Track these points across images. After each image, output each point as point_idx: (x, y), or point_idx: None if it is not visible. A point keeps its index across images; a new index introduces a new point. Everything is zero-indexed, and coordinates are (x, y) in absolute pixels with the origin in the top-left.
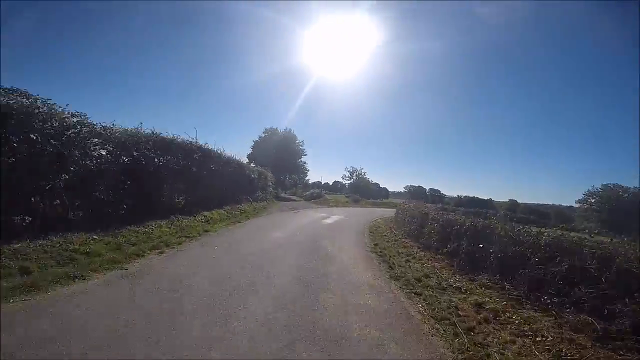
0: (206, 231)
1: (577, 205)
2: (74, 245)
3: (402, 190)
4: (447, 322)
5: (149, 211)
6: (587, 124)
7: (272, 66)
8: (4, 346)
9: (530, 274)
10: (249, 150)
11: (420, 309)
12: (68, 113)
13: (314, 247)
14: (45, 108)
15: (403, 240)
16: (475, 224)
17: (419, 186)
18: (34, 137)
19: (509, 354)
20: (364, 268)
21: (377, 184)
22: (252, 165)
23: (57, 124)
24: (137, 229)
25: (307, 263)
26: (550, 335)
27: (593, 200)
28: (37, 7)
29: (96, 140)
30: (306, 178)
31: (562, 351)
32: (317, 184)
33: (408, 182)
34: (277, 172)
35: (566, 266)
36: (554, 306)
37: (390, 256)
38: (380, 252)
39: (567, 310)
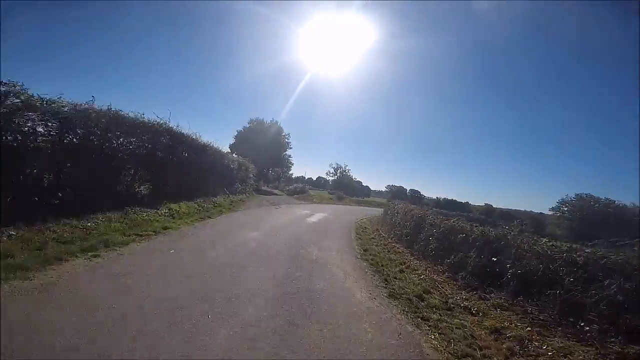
0: (166, 228)
1: (550, 212)
2: None
3: (384, 190)
4: None
5: (100, 201)
6: (569, 134)
7: (266, 62)
8: None
9: (564, 296)
10: (232, 141)
11: (433, 342)
12: None
13: (297, 254)
14: None
15: (393, 245)
16: (487, 233)
17: (400, 186)
18: None
19: None
20: (357, 283)
21: (359, 182)
22: (233, 155)
23: None
24: (76, 223)
25: (289, 279)
26: None
27: (566, 209)
28: None
29: (32, 114)
30: (290, 172)
31: None
32: (301, 179)
33: (389, 181)
34: (260, 165)
35: (615, 289)
36: (595, 334)
37: (382, 265)
38: (372, 259)
39: (613, 340)
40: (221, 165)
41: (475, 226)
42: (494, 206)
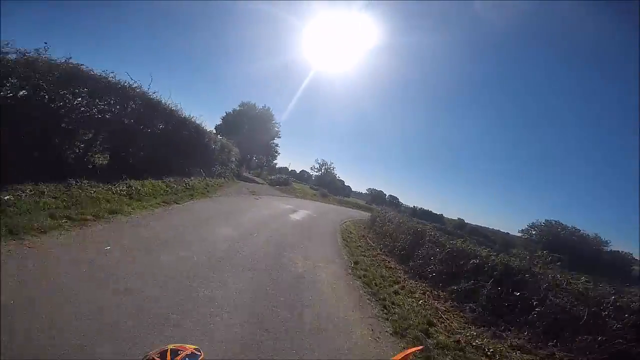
0: (114, 212)
1: (519, 234)
2: None
3: (364, 192)
4: None
5: (33, 168)
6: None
7: (267, 59)
8: None
9: (608, 344)
10: (219, 121)
11: None
12: None
13: (279, 265)
14: None
15: (384, 258)
16: (508, 262)
17: (380, 190)
18: None
19: None
20: (354, 312)
21: (342, 181)
22: (218, 136)
23: None
24: None
25: (269, 306)
26: None
27: (534, 232)
28: None
29: None
30: (274, 161)
31: None
32: (284, 170)
33: (369, 184)
34: (245, 150)
35: None
36: None
37: (377, 285)
38: (364, 276)
39: None
40: (201, 144)
41: (493, 253)
42: (465, 221)
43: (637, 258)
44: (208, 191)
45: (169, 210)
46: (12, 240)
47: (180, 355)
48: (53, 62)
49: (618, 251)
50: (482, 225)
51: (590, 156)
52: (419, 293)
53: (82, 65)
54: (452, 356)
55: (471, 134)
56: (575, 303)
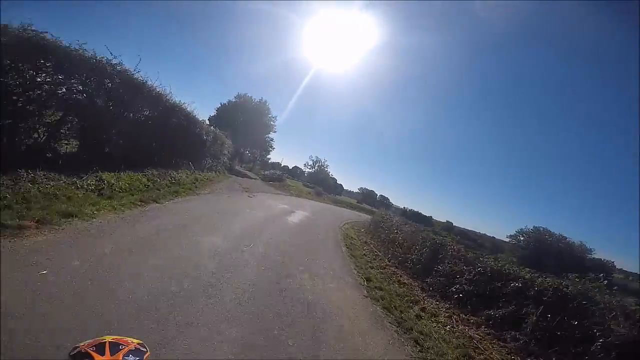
0: (69, 216)
1: (507, 239)
2: None
3: (356, 191)
4: None
5: None
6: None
7: (268, 58)
8: None
9: None
10: (214, 113)
11: None
12: None
13: (283, 289)
14: None
15: (394, 270)
16: (562, 287)
17: (371, 190)
18: None
19: None
20: (386, 351)
21: (334, 179)
22: (210, 127)
23: None
24: None
25: None
26: None
27: (522, 238)
28: None
29: None
30: (268, 156)
31: None
32: (277, 165)
33: (360, 183)
34: (238, 143)
35: None
36: None
37: (398, 308)
38: (382, 297)
39: None
40: (191, 134)
41: (541, 275)
42: (453, 224)
43: (620, 267)
44: (196, 187)
45: (145, 213)
46: None
47: (123, 350)
48: (12, 30)
49: (600, 259)
50: (470, 229)
51: (589, 157)
52: (444, 316)
53: (45, 33)
54: None
55: (466, 136)
56: None
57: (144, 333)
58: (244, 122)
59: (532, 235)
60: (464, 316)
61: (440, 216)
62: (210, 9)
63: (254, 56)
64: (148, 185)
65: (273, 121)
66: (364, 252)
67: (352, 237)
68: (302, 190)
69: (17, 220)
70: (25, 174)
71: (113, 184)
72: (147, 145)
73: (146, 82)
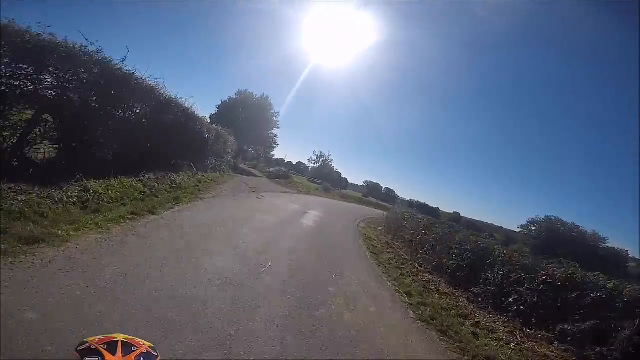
0: (36, 242)
1: (518, 230)
2: None
3: (361, 184)
4: None
5: None
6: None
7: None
8: None
9: None
10: (214, 111)
11: None
12: None
13: (317, 326)
14: None
15: (428, 277)
16: None
17: (376, 183)
18: None
19: None
20: None
21: (339, 173)
22: (212, 125)
23: None
24: None
25: None
26: None
27: (534, 228)
28: None
29: None
30: (272, 153)
31: None
32: (281, 162)
33: (365, 176)
34: (242, 140)
35: None
36: None
37: (455, 330)
38: (432, 317)
39: None
40: (191, 132)
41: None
42: (461, 215)
43: (632, 255)
44: (200, 190)
45: (137, 229)
46: None
47: (135, 353)
48: None
49: (614, 248)
50: (478, 220)
51: (589, 156)
52: (503, 332)
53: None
54: None
55: (468, 131)
56: None
57: None
58: (246, 119)
59: (544, 224)
60: (528, 331)
61: (447, 207)
62: (209, 8)
63: (253, 53)
64: (144, 192)
65: (276, 117)
66: (389, 255)
67: (372, 239)
68: (309, 187)
69: None
70: None
71: (101, 193)
72: (142, 146)
73: (134, 73)
